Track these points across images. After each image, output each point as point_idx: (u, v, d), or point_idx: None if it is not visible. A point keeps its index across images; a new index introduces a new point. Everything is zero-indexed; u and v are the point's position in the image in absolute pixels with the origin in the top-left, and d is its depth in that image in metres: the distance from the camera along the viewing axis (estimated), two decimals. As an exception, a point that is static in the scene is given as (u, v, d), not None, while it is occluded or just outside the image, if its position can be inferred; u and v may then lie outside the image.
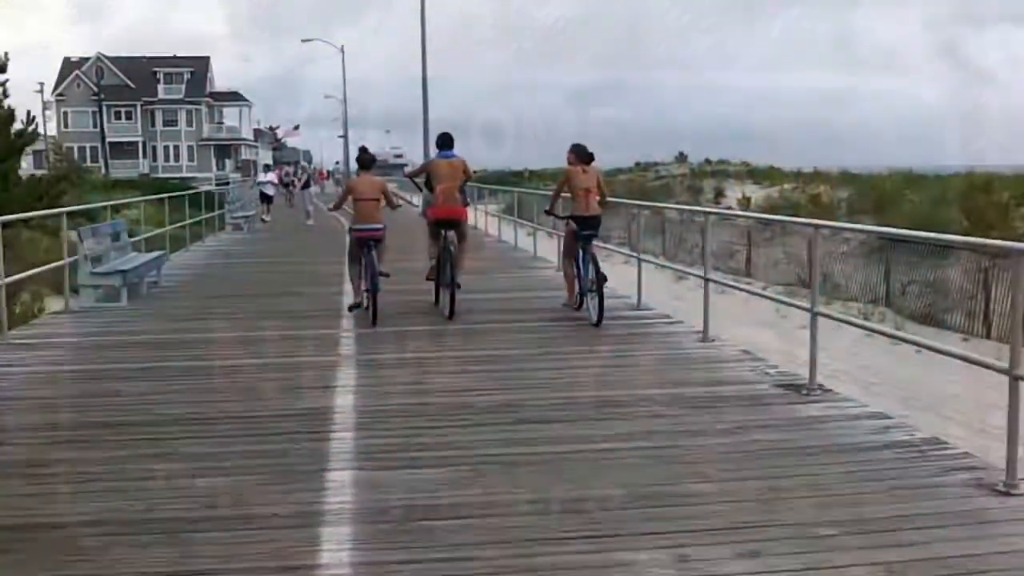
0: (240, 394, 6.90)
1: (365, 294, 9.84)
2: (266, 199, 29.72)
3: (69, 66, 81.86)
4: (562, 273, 10.89)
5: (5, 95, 21.89)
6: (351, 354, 8.49)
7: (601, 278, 9.47)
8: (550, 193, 11.52)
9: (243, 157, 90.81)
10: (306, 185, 28.57)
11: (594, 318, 9.46)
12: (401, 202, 12.08)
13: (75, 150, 79.43)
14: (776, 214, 32.43)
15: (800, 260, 24.07)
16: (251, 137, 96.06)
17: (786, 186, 40.76)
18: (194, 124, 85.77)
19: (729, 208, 37.51)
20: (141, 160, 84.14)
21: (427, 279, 10.64)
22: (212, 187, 38.93)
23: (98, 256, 11.86)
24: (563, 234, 11.01)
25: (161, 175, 77.31)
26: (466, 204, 10.80)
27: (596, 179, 9.90)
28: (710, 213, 10.89)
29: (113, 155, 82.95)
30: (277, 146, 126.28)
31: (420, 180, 11.30)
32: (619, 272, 12.40)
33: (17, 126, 23.56)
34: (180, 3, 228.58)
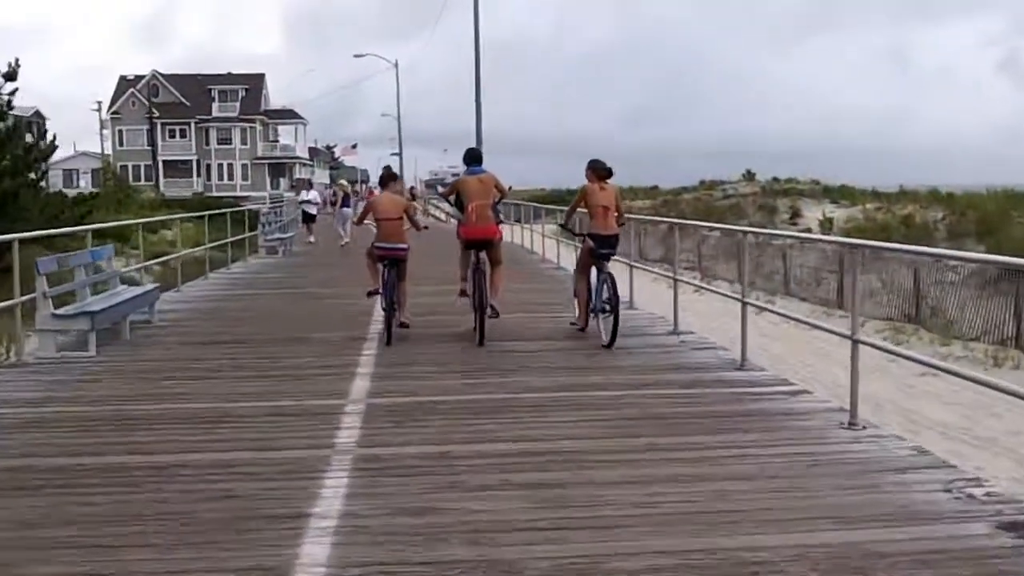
0: (159, 529, 4.41)
1: (384, 312, 9.70)
2: (309, 219, 27.53)
3: (124, 84, 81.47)
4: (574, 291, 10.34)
5: (9, 107, 19.99)
6: (349, 445, 5.98)
7: (617, 299, 9.26)
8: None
9: (298, 175, 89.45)
10: (343, 203, 26.29)
11: (605, 339, 9.21)
12: (427, 223, 11.50)
13: (129, 168, 78.98)
14: (865, 237, 29.45)
15: (902, 290, 21.09)
16: (306, 155, 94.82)
17: (868, 205, 37.56)
18: (248, 142, 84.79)
19: (808, 231, 34.47)
20: (195, 178, 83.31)
21: (460, 295, 9.90)
22: (257, 205, 37.01)
23: (79, 290, 9.86)
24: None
25: (215, 194, 76.29)
26: (499, 222, 10.18)
27: (614, 196, 9.61)
28: (748, 232, 9.70)
29: (167, 174, 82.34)
30: (334, 165, 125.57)
31: (452, 199, 10.74)
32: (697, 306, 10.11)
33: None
34: (239, 26, 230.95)
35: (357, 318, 11.29)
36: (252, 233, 23.43)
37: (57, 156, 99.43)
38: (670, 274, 11.51)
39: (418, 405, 6.96)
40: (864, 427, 6.24)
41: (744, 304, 8.65)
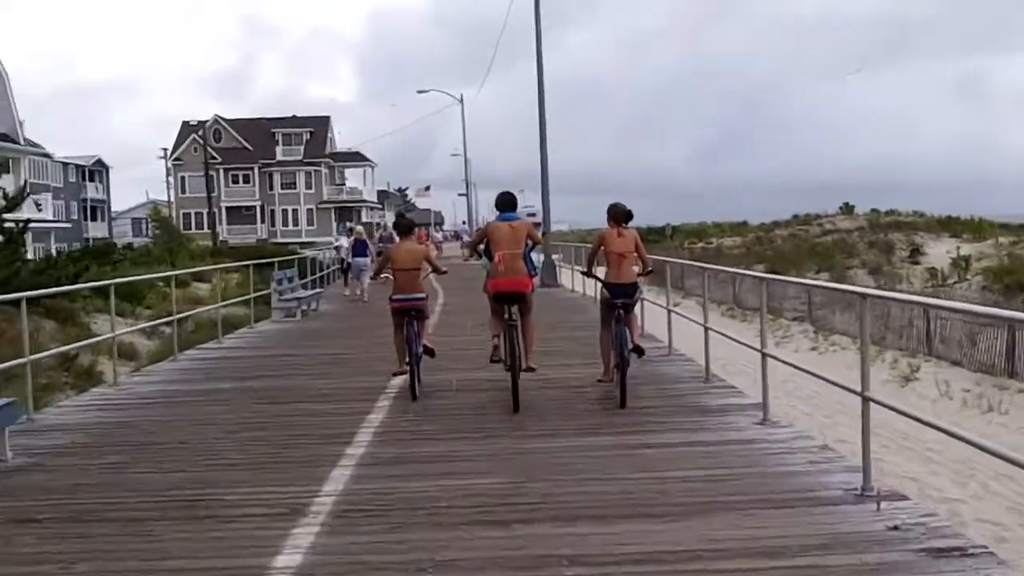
0: None
1: (407, 366, 9.17)
2: (346, 270, 23.47)
3: (187, 130, 79.51)
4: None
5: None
6: None
7: (628, 355, 8.55)
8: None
9: (365, 219, 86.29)
10: (356, 252, 21.56)
11: (617, 399, 8.39)
12: (447, 269, 10.73)
13: (192, 216, 76.87)
14: (1016, 279, 24.20)
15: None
16: (374, 199, 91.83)
17: (1002, 240, 32.17)
18: (313, 186, 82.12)
19: (937, 272, 29.26)
20: (259, 224, 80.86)
21: (491, 361, 9.12)
22: (315, 252, 33.08)
23: None
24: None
25: (280, 240, 73.54)
26: (532, 274, 9.19)
27: (634, 242, 9.07)
28: (869, 295, 6.37)
29: (230, 220, 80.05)
30: (407, 207, 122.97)
31: (481, 248, 9.45)
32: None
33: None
34: (315, 76, 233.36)
35: (335, 440, 7.08)
36: (292, 283, 19.39)
37: (126, 205, 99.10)
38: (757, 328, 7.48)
39: None
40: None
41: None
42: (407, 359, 9.17)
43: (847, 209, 55.30)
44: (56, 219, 52.85)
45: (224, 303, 18.34)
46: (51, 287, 16.94)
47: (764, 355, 7.90)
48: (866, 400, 5.76)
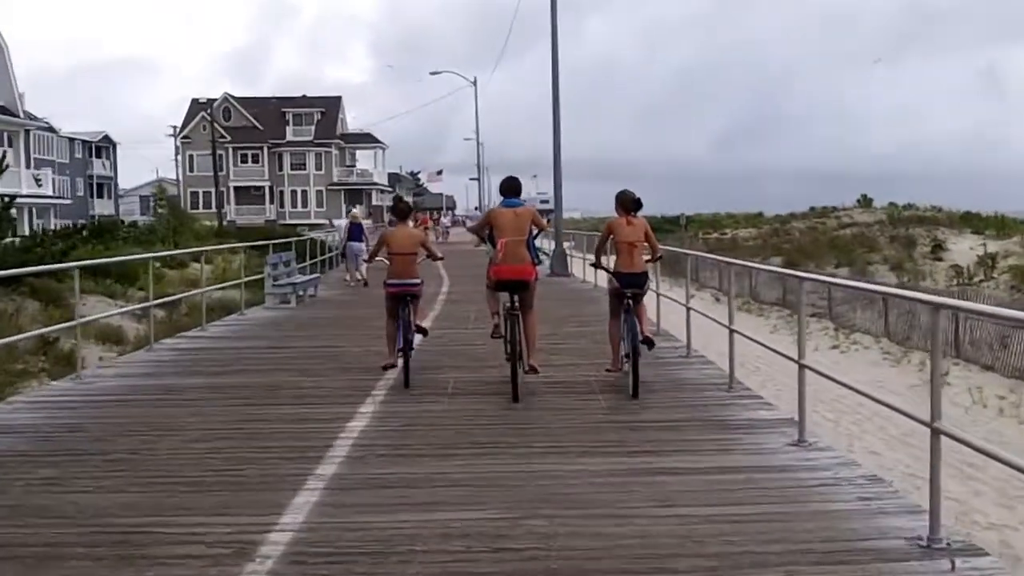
0: None
1: (399, 353, 9.02)
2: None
3: (196, 108, 78.48)
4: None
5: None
6: None
7: (639, 346, 8.29)
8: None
9: (375, 202, 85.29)
10: (352, 237, 20.81)
11: (630, 389, 8.17)
12: (443, 255, 10.45)
13: (200, 195, 75.98)
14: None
15: None
16: (385, 181, 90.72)
17: (1029, 237, 30.97)
18: (323, 167, 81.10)
19: (961, 269, 28.12)
20: (268, 205, 79.91)
21: (492, 336, 9.10)
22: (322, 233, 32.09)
23: None
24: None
25: (288, 221, 72.63)
26: (536, 263, 8.81)
27: (644, 230, 8.86)
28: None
29: (239, 200, 79.17)
30: (418, 191, 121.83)
31: (485, 234, 9.18)
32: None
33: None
34: (331, 58, 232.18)
35: (306, 455, 6.11)
36: (288, 268, 18.43)
37: (135, 183, 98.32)
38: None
39: None
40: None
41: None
42: (399, 348, 9.02)
43: (865, 202, 54.12)
44: (57, 195, 51.92)
45: (211, 288, 17.37)
46: (37, 266, 16.08)
47: (802, 366, 6.86)
48: (936, 432, 4.77)
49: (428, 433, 7.05)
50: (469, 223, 54.74)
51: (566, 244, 26.31)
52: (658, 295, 12.32)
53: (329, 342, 12.29)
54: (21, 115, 38.54)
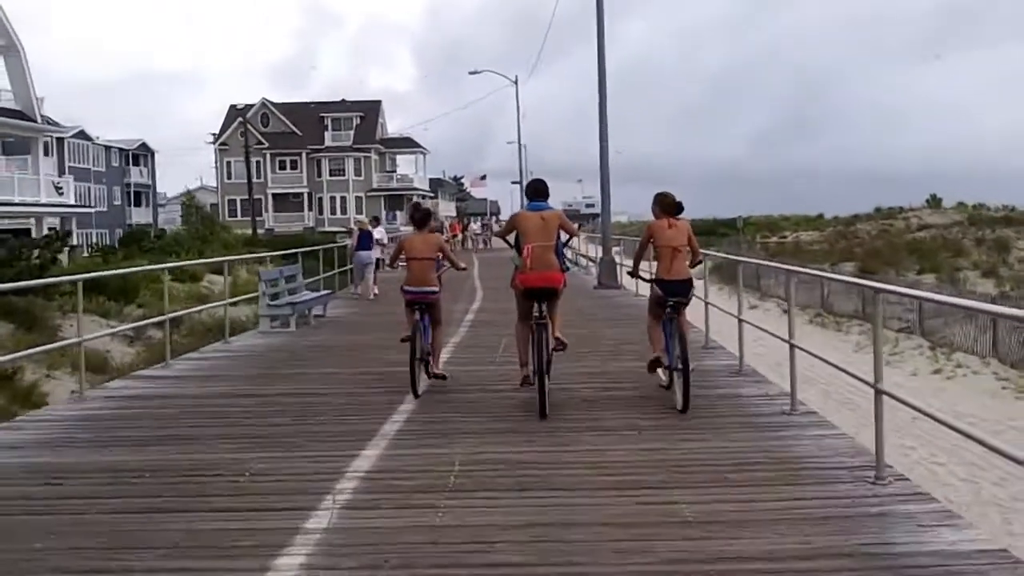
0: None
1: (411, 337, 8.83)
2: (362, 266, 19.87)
3: (234, 114, 76.76)
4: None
5: None
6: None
7: (687, 357, 7.78)
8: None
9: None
10: (359, 246, 18.51)
11: (680, 403, 7.75)
12: (464, 264, 9.97)
13: (238, 203, 74.22)
14: None
15: None
16: (426, 187, 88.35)
17: None
18: (363, 173, 78.95)
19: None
20: (306, 212, 77.97)
21: (522, 383, 8.35)
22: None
23: None
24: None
25: (327, 228, 70.50)
26: (564, 269, 8.48)
27: (686, 234, 8.45)
28: None
29: (277, 207, 77.42)
30: (462, 196, 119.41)
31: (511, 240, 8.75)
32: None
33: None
34: (375, 65, 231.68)
35: None
36: (293, 283, 15.75)
37: (175, 190, 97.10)
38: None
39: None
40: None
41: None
42: (417, 357, 8.74)
43: (934, 202, 50.73)
44: (81, 203, 50.09)
45: (174, 313, 14.28)
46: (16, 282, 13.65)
47: (878, 392, 5.67)
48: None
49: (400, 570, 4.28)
50: (496, 227, 52.03)
51: (615, 250, 23.39)
52: (706, 304, 11.58)
53: (311, 386, 9.49)
54: (39, 120, 36.57)
